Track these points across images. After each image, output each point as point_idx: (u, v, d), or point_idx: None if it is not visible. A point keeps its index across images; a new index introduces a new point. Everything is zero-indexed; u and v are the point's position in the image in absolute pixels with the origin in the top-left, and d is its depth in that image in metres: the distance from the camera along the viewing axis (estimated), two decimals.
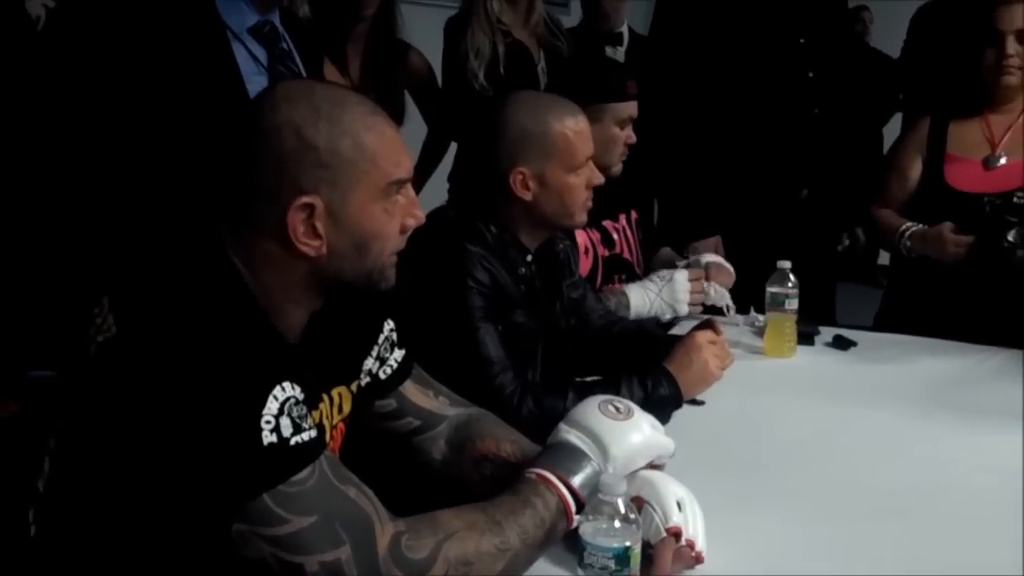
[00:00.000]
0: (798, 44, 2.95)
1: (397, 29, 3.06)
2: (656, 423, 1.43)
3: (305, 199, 1.19)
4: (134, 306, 1.17)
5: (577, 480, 1.31)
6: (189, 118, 1.80)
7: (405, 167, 1.28)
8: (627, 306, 2.43)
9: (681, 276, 2.49)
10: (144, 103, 1.83)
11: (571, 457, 1.33)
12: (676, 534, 1.32)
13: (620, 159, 2.43)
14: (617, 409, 1.39)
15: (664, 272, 2.51)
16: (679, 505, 1.34)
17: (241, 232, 1.23)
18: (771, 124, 2.94)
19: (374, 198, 1.24)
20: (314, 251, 1.22)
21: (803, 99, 2.95)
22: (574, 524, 1.30)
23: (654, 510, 1.34)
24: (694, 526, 1.34)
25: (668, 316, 2.49)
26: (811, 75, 2.95)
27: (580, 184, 1.96)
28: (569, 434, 1.36)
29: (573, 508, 1.30)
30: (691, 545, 1.32)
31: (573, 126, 1.93)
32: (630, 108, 2.41)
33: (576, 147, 1.93)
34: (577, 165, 1.94)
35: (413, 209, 1.30)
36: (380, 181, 1.24)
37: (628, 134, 2.42)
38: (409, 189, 1.30)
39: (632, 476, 1.38)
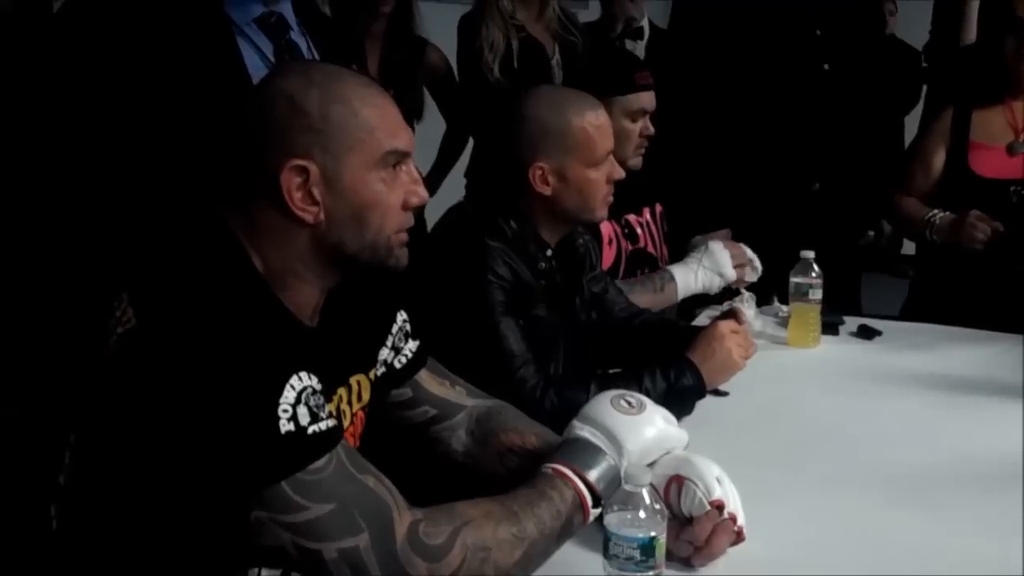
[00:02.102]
0: (814, 36, 2.93)
1: (415, 25, 3.07)
2: (669, 416, 1.42)
3: (297, 162, 1.20)
4: (152, 298, 1.18)
5: (593, 475, 1.31)
6: (195, 117, 1.81)
7: (403, 139, 1.27)
8: (672, 279, 2.42)
9: (715, 243, 2.46)
10: (149, 103, 1.83)
11: (586, 452, 1.33)
12: (719, 507, 1.32)
13: (637, 152, 2.40)
14: (629, 404, 1.39)
15: (698, 247, 2.48)
16: (718, 481, 1.35)
17: (245, 209, 1.23)
18: (785, 117, 2.92)
19: (370, 167, 1.24)
20: (312, 217, 1.22)
21: (818, 91, 2.93)
22: (590, 519, 1.30)
23: (696, 485, 1.34)
24: (734, 502, 1.34)
25: (718, 284, 2.45)
26: (827, 67, 2.93)
27: (600, 179, 1.94)
28: (583, 430, 1.36)
29: (590, 502, 1.30)
30: (733, 520, 1.33)
31: (593, 121, 1.92)
32: (641, 100, 2.38)
33: (596, 142, 1.92)
34: (597, 160, 1.93)
35: (416, 186, 1.29)
36: (376, 150, 1.24)
37: (644, 126, 2.39)
38: (412, 166, 1.30)
39: (668, 457, 1.38)
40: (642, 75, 2.40)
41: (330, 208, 1.22)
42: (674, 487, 1.35)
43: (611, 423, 1.35)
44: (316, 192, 1.21)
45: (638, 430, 1.36)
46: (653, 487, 1.28)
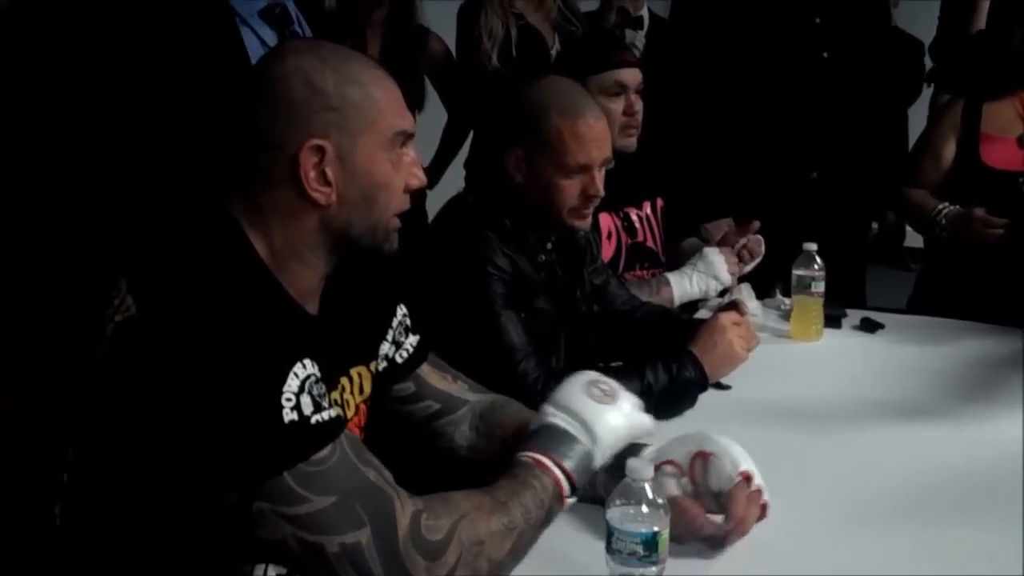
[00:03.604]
0: (813, 24, 2.92)
1: (417, 14, 3.06)
2: (637, 402, 1.42)
3: (316, 142, 1.20)
4: (152, 285, 1.17)
5: (570, 463, 1.31)
6: (197, 105, 1.80)
7: (409, 120, 1.29)
8: (667, 284, 2.41)
9: (710, 249, 2.46)
10: (152, 92, 1.83)
11: (563, 440, 1.33)
12: (748, 478, 1.34)
13: (625, 133, 2.32)
14: (603, 391, 1.38)
15: (694, 253, 2.48)
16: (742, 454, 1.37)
17: (251, 190, 1.23)
18: (782, 105, 2.91)
19: (381, 147, 1.25)
20: (324, 198, 1.22)
21: (816, 79, 2.92)
22: (567, 505, 1.31)
23: (722, 458, 1.35)
24: (758, 475, 1.36)
25: (714, 288, 2.45)
26: (825, 56, 2.92)
27: (571, 188, 1.87)
28: (556, 417, 1.35)
29: (567, 490, 1.30)
30: (759, 492, 1.34)
31: (574, 127, 1.84)
32: (616, 75, 2.32)
33: (568, 149, 1.84)
34: (568, 167, 1.85)
35: (415, 169, 1.30)
36: (387, 130, 1.25)
37: (627, 104, 2.32)
38: (412, 149, 1.31)
39: (687, 435, 1.40)
40: (618, 53, 2.37)
41: (342, 189, 1.23)
42: (699, 463, 1.36)
43: (584, 410, 1.35)
44: (330, 172, 1.21)
45: (610, 418, 1.36)
46: (660, 477, 1.29)
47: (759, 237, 2.55)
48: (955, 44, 3.29)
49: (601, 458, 1.35)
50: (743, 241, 2.52)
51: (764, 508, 1.35)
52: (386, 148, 1.25)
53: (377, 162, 1.24)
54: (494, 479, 1.28)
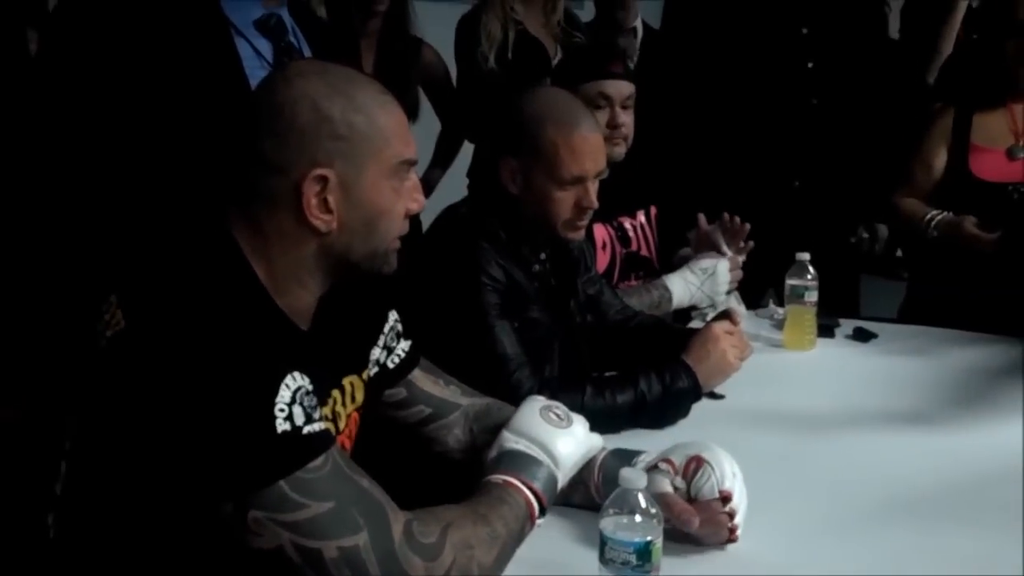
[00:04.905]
0: (800, 34, 2.93)
1: (411, 25, 3.07)
2: (586, 422, 1.46)
3: (320, 171, 1.20)
4: (143, 299, 1.17)
5: (539, 485, 1.35)
6: (191, 115, 1.80)
7: (413, 147, 1.29)
8: (670, 300, 2.41)
9: (723, 267, 2.45)
10: (145, 102, 1.82)
11: (529, 464, 1.37)
12: (726, 498, 1.35)
13: (611, 143, 2.29)
14: (558, 416, 1.43)
15: (706, 264, 2.46)
16: (733, 476, 1.38)
17: (252, 211, 1.22)
18: (766, 114, 2.92)
19: (385, 176, 1.25)
20: (325, 225, 1.22)
21: (801, 89, 2.93)
22: (537, 525, 1.34)
23: (713, 470, 1.37)
24: (739, 499, 1.37)
25: (706, 305, 2.47)
26: (810, 66, 2.93)
27: (565, 199, 1.88)
28: (518, 444, 1.39)
29: (537, 510, 1.33)
30: (731, 515, 1.35)
31: (569, 139, 1.84)
32: (599, 86, 2.33)
33: (563, 160, 1.85)
34: (563, 179, 1.86)
35: (415, 194, 1.30)
36: (392, 159, 1.25)
37: (611, 116, 2.33)
38: (413, 174, 1.31)
39: (694, 441, 1.43)
40: (605, 65, 2.37)
41: (343, 216, 1.22)
42: (692, 466, 1.39)
43: (543, 436, 1.39)
44: (331, 200, 1.21)
45: (567, 442, 1.41)
46: (654, 474, 1.34)
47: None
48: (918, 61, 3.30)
49: (563, 479, 1.39)
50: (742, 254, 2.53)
51: (733, 531, 1.36)
52: (389, 176, 1.25)
53: (380, 191, 1.24)
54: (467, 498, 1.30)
